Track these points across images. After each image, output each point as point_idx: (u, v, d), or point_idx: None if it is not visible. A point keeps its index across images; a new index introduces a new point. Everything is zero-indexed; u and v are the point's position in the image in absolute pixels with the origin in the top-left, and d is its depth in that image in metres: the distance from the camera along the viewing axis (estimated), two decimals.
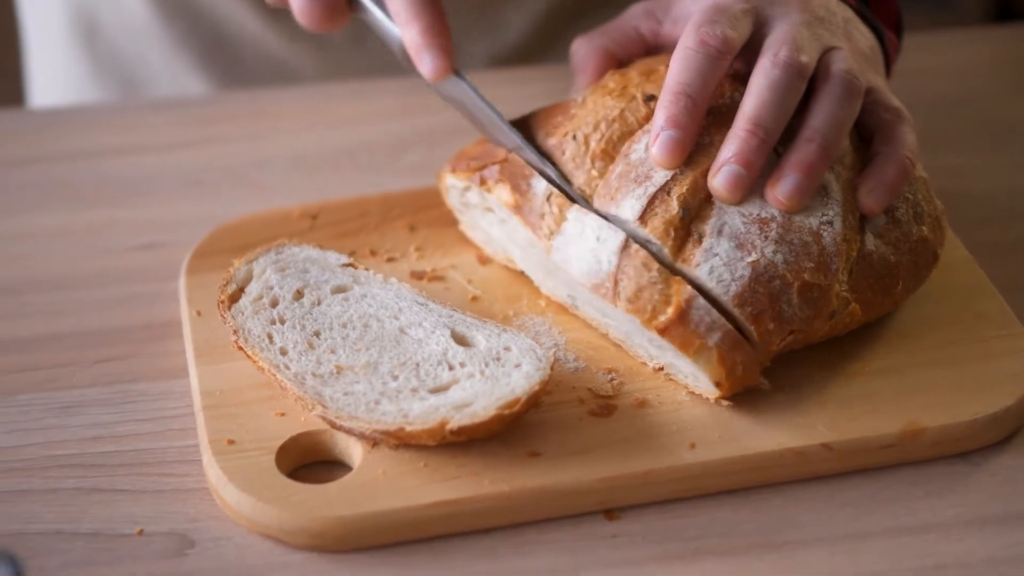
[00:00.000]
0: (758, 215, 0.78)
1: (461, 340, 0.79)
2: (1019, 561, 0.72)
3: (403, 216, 0.93)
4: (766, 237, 0.77)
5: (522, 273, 0.88)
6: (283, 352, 0.78)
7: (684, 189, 0.78)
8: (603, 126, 0.82)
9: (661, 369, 0.80)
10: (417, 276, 0.88)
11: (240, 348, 0.79)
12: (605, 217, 0.80)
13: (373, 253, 0.90)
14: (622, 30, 0.86)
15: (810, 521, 0.75)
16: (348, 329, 0.80)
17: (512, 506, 0.74)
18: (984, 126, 1.04)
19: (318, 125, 1.06)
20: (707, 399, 0.79)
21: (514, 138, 0.86)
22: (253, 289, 0.82)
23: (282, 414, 0.78)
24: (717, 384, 0.76)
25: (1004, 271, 0.87)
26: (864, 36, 0.85)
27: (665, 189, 0.78)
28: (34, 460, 0.78)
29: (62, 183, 1.00)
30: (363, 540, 0.73)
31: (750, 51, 0.80)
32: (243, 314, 0.80)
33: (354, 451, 0.76)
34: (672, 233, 0.77)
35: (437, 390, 0.76)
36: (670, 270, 0.77)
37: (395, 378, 0.77)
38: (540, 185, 0.81)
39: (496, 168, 0.84)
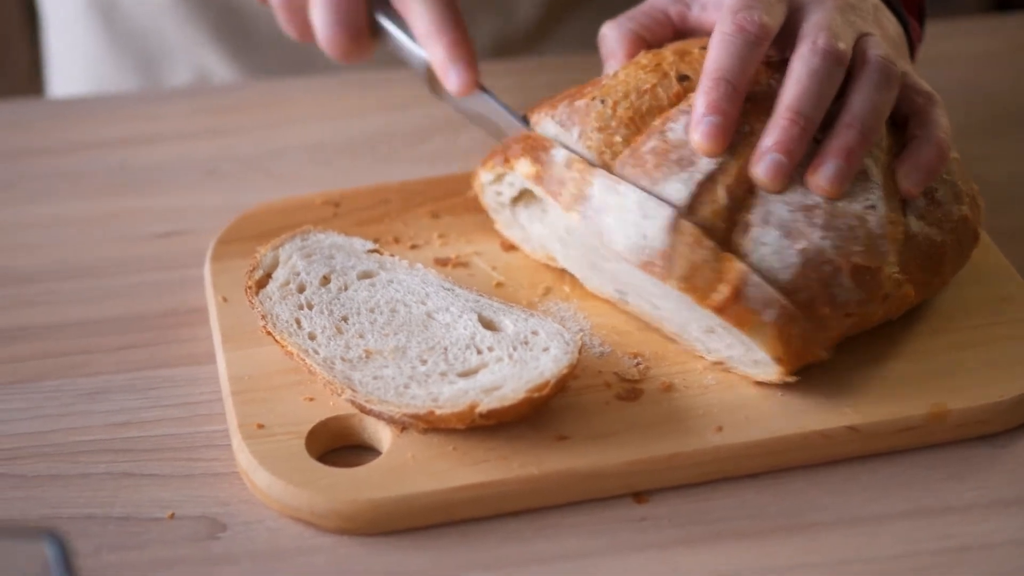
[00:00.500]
0: (802, 202, 0.78)
1: (488, 324, 0.80)
2: None
3: (425, 203, 0.93)
4: (813, 224, 0.77)
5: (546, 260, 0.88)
6: (312, 337, 0.79)
7: (731, 179, 0.78)
8: (633, 96, 0.82)
9: (720, 363, 0.80)
10: (441, 263, 0.88)
11: (269, 333, 0.79)
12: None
13: (396, 240, 0.90)
14: (651, 15, 0.86)
15: (834, 503, 0.75)
16: (376, 314, 0.80)
17: (540, 489, 0.74)
18: (1000, 113, 1.05)
19: (336, 114, 1.06)
20: (733, 384, 0.79)
21: None
22: (280, 275, 0.82)
23: (311, 399, 0.78)
24: (777, 360, 0.76)
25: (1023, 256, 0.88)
26: (891, 23, 0.85)
27: (711, 178, 0.78)
28: (63, 445, 0.78)
29: (81, 172, 1.00)
30: (393, 523, 0.73)
31: (783, 38, 0.81)
32: (271, 299, 0.81)
33: (383, 435, 0.77)
34: (719, 224, 0.77)
35: (466, 374, 0.76)
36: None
37: (424, 362, 0.77)
38: (560, 153, 0.81)
39: (519, 145, 0.84)
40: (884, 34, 0.83)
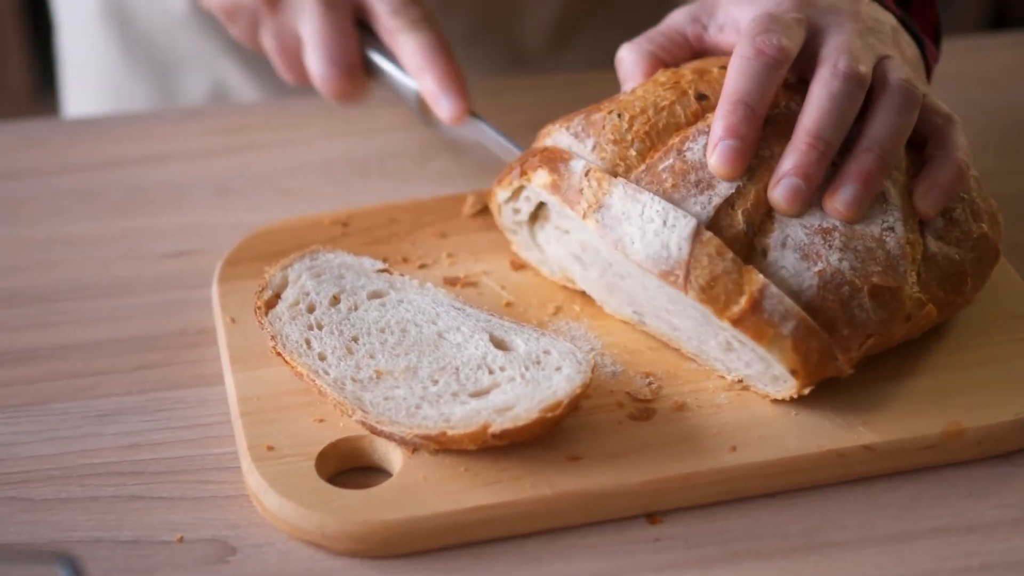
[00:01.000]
0: (820, 225, 0.77)
1: (500, 344, 0.79)
2: None
3: (434, 223, 0.93)
4: (830, 246, 0.77)
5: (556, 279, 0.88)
6: (322, 357, 0.78)
7: (748, 204, 0.78)
8: (651, 111, 0.81)
9: (740, 382, 0.79)
10: (450, 282, 0.88)
11: (278, 354, 0.78)
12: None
13: (405, 260, 0.90)
14: (668, 35, 0.86)
15: (853, 523, 0.74)
16: (386, 334, 0.80)
17: (554, 510, 0.74)
18: (1010, 129, 1.04)
19: (345, 133, 1.06)
20: (746, 403, 0.78)
21: None
22: (289, 295, 0.82)
23: (320, 420, 0.78)
24: (793, 372, 0.76)
25: None
26: (909, 45, 0.85)
27: (729, 202, 0.78)
28: (72, 468, 0.78)
29: (93, 191, 1.00)
30: (405, 545, 0.73)
31: (801, 60, 0.80)
32: (280, 320, 0.80)
33: (393, 457, 0.76)
34: (737, 248, 0.77)
35: (478, 394, 0.76)
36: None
37: (435, 382, 0.76)
38: (578, 164, 0.81)
39: (536, 158, 0.83)
40: (902, 56, 0.83)
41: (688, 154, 0.79)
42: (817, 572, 0.72)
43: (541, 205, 0.85)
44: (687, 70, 0.84)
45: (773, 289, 0.75)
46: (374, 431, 0.76)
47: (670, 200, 0.78)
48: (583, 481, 0.74)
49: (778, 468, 0.75)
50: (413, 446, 0.75)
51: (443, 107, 0.90)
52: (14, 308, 0.89)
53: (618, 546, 0.73)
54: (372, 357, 0.78)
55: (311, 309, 0.81)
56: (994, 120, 1.06)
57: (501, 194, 0.86)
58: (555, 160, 0.82)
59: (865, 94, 0.79)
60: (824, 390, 0.78)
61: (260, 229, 0.92)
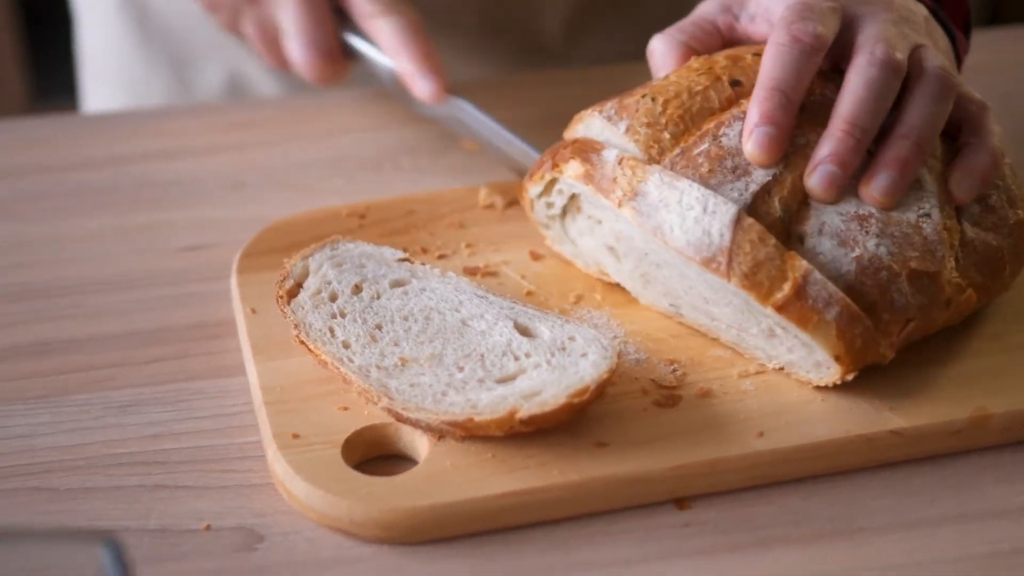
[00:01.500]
0: (856, 212, 0.77)
1: (524, 331, 0.79)
2: None
3: (450, 214, 0.93)
4: (867, 232, 0.77)
5: (576, 268, 0.87)
6: (346, 345, 0.78)
7: (785, 191, 0.78)
8: (685, 95, 0.81)
9: (781, 369, 0.79)
10: (470, 272, 0.87)
11: (302, 342, 0.78)
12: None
13: (424, 250, 0.89)
14: (699, 25, 0.86)
15: (880, 508, 0.74)
16: (410, 322, 0.79)
17: (582, 496, 0.73)
18: (1005, 123, 1.04)
19: (358, 127, 1.06)
20: (771, 389, 0.78)
21: (522, 145, 0.91)
22: (311, 284, 0.82)
23: (345, 408, 0.77)
24: (836, 358, 0.75)
25: None
26: (941, 36, 0.85)
27: (766, 189, 0.77)
28: (95, 459, 0.77)
29: (106, 187, 1.00)
30: (434, 531, 0.72)
31: (835, 49, 0.81)
32: (303, 309, 0.80)
33: (419, 444, 0.76)
34: (774, 235, 0.76)
35: (504, 380, 0.76)
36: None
37: (460, 369, 0.76)
38: (611, 153, 0.80)
39: (567, 150, 0.83)
40: (935, 46, 0.83)
41: (724, 140, 0.79)
42: (846, 557, 0.72)
43: (573, 198, 0.85)
44: (720, 57, 0.84)
45: (817, 275, 0.75)
46: (400, 418, 0.75)
47: (706, 186, 0.77)
48: (611, 467, 0.74)
49: (805, 453, 0.75)
50: (439, 433, 0.75)
51: (421, 87, 0.93)
52: (29, 302, 0.89)
53: (649, 532, 0.73)
54: (396, 345, 0.78)
55: (333, 298, 0.81)
56: (1017, 112, 1.06)
57: (533, 189, 0.86)
58: (587, 150, 0.82)
59: (901, 82, 0.79)
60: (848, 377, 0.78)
61: (277, 221, 0.92)
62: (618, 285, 0.86)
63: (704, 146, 0.79)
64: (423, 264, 0.84)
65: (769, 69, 0.78)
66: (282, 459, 0.74)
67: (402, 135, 1.05)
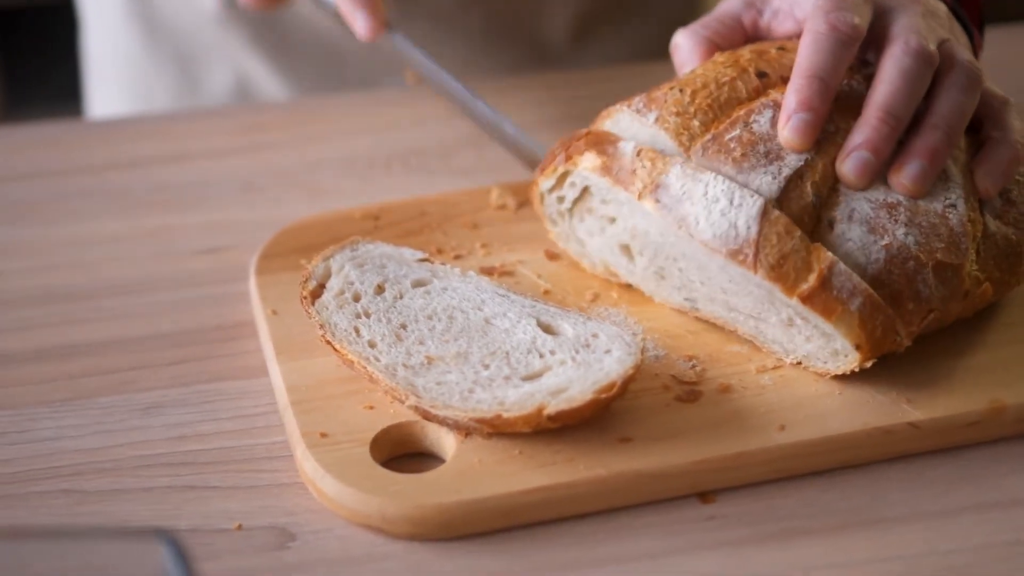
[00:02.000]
0: (884, 200, 0.79)
1: (547, 329, 0.80)
2: None
3: (463, 215, 0.94)
4: (896, 220, 0.78)
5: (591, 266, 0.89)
6: (372, 345, 0.79)
7: (817, 176, 0.79)
8: (712, 86, 0.82)
9: (799, 363, 0.80)
10: (487, 272, 0.88)
11: (328, 342, 0.79)
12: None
13: (440, 251, 0.90)
14: (723, 21, 0.87)
15: (900, 499, 0.75)
16: (434, 321, 0.80)
17: (609, 490, 0.74)
18: None
19: (367, 130, 1.07)
20: (789, 384, 0.80)
21: (460, 88, 0.94)
22: (334, 285, 0.82)
23: (370, 407, 0.78)
24: (857, 347, 0.77)
25: None
26: (960, 34, 0.87)
27: (799, 174, 0.79)
28: (123, 460, 0.78)
29: (119, 191, 1.00)
30: (463, 527, 0.73)
31: (867, 41, 0.82)
32: (327, 309, 0.81)
33: (445, 442, 0.77)
34: (806, 220, 0.78)
35: (530, 377, 0.77)
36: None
37: (486, 367, 0.77)
38: (628, 145, 0.82)
39: (581, 142, 0.84)
40: (957, 41, 0.84)
41: (755, 126, 0.80)
42: (869, 547, 0.73)
43: (582, 198, 0.86)
44: (745, 51, 0.85)
45: (841, 266, 0.76)
46: (427, 416, 0.76)
47: (739, 168, 0.79)
48: (636, 462, 0.75)
49: (827, 446, 0.76)
50: (466, 430, 0.76)
51: (359, 23, 0.94)
52: (48, 306, 0.89)
53: (675, 525, 0.74)
54: (422, 343, 0.79)
55: (357, 298, 0.82)
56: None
57: (544, 183, 0.87)
58: (602, 143, 0.83)
59: (933, 73, 0.80)
60: (867, 369, 0.79)
61: (292, 224, 0.92)
62: (630, 287, 0.87)
63: (735, 132, 0.80)
64: (443, 264, 0.85)
65: (807, 56, 0.80)
66: (311, 458, 0.75)
67: (410, 137, 1.06)
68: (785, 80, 0.82)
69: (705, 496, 0.76)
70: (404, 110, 1.08)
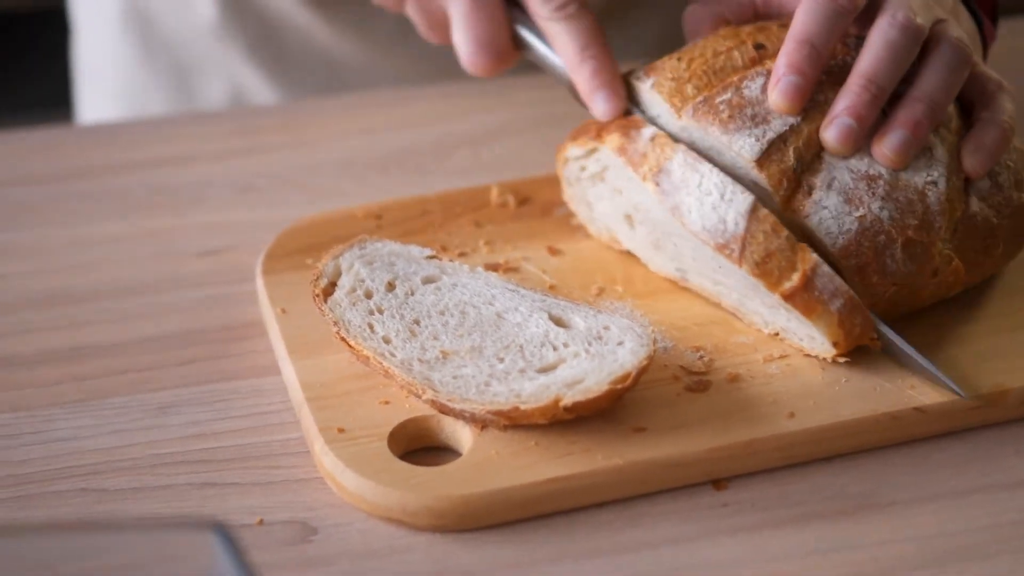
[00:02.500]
0: (866, 172, 0.81)
1: (559, 322, 0.81)
2: None
3: (465, 213, 0.95)
4: (873, 193, 0.80)
5: (595, 262, 0.90)
6: (386, 340, 0.79)
7: (800, 142, 0.81)
8: (709, 54, 0.84)
9: (776, 335, 0.82)
10: (491, 268, 0.89)
11: (343, 339, 0.80)
12: (703, 156, 0.81)
13: (444, 248, 0.91)
14: None
15: (909, 482, 0.77)
16: (446, 316, 0.81)
17: (625, 479, 0.75)
18: None
19: (363, 131, 1.08)
20: (796, 373, 0.81)
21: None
22: (345, 282, 0.83)
23: (386, 402, 0.79)
24: (835, 344, 0.79)
25: None
26: (966, 20, 0.88)
27: (782, 138, 0.81)
28: (140, 459, 0.78)
29: (117, 193, 1.00)
30: (485, 518, 0.74)
31: (863, 17, 0.84)
32: (340, 306, 0.81)
33: (461, 435, 0.78)
34: (785, 183, 0.80)
35: (545, 369, 0.78)
36: (778, 216, 0.80)
37: (501, 360, 0.78)
38: (648, 131, 0.83)
39: (614, 124, 0.86)
40: (959, 25, 0.86)
41: (745, 91, 0.82)
42: (882, 529, 0.74)
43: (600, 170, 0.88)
44: (748, 26, 0.87)
45: (825, 268, 0.78)
46: (444, 410, 0.77)
47: (725, 130, 0.81)
48: (651, 451, 0.76)
49: (835, 432, 0.78)
50: (483, 423, 0.77)
51: (597, 106, 0.88)
52: (52, 308, 0.90)
53: (691, 512, 0.75)
54: (436, 338, 0.80)
55: (369, 295, 0.82)
56: None
57: (574, 150, 0.88)
58: (629, 126, 0.85)
59: (920, 47, 0.82)
60: (870, 358, 0.81)
61: (295, 224, 0.93)
62: (635, 276, 0.88)
63: (726, 96, 0.82)
64: (451, 260, 0.86)
65: (801, 23, 0.82)
66: (330, 453, 0.76)
67: (405, 137, 1.07)
68: None
69: (718, 483, 0.77)
70: (397, 112, 1.09)
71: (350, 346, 0.80)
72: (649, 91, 0.85)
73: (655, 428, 0.78)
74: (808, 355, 0.82)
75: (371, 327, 0.80)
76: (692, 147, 0.83)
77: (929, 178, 0.81)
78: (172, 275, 0.93)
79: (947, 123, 0.84)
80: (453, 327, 0.80)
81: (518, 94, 1.11)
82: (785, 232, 0.79)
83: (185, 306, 0.90)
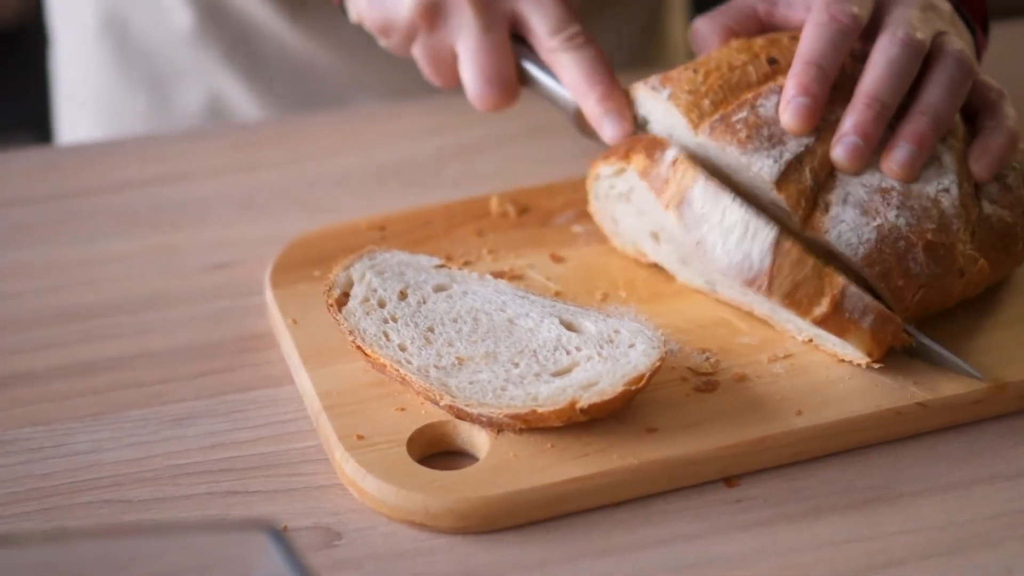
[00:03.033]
0: (879, 185, 0.83)
1: (570, 326, 0.83)
2: None
3: (467, 223, 0.96)
4: (888, 204, 0.82)
5: (598, 268, 0.92)
6: (402, 348, 0.81)
7: (815, 162, 0.83)
8: (725, 68, 0.87)
9: (810, 341, 0.84)
10: (496, 276, 0.91)
11: (359, 348, 0.81)
12: (719, 176, 0.83)
13: (448, 258, 0.93)
14: (740, 10, 0.91)
15: (914, 475, 0.79)
16: (459, 323, 0.83)
17: (640, 478, 0.77)
18: None
19: (359, 145, 1.09)
20: (800, 372, 0.83)
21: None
22: (358, 292, 0.85)
23: (402, 408, 0.80)
24: (868, 353, 0.81)
25: None
26: (963, 30, 0.91)
27: (799, 158, 0.83)
28: (161, 470, 0.79)
29: (120, 211, 1.01)
30: (505, 519, 0.76)
31: (867, 32, 0.86)
32: (355, 316, 0.83)
33: (478, 439, 0.79)
34: (803, 203, 0.82)
35: (560, 373, 0.79)
36: (798, 236, 0.82)
37: (516, 365, 0.80)
38: (670, 153, 0.85)
39: (641, 144, 0.87)
40: (959, 36, 0.89)
41: (761, 110, 0.85)
42: (892, 521, 0.76)
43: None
44: (760, 38, 0.90)
45: (852, 288, 0.80)
46: (461, 415, 0.79)
47: (744, 150, 0.83)
48: (664, 450, 0.78)
49: (844, 428, 0.80)
50: (499, 427, 0.78)
51: (606, 130, 0.90)
52: (65, 324, 0.91)
53: (705, 509, 0.77)
54: (451, 345, 0.81)
55: (382, 304, 0.84)
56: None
57: (606, 169, 0.90)
58: (654, 148, 0.86)
59: (921, 61, 0.85)
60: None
61: (300, 237, 0.94)
62: (637, 281, 0.90)
63: (743, 114, 0.85)
64: (460, 269, 0.88)
65: (807, 45, 0.84)
66: (351, 459, 0.77)
67: (401, 150, 1.08)
68: None
69: (730, 480, 0.79)
70: (388, 125, 1.10)
71: (366, 354, 0.81)
72: (666, 103, 0.87)
73: (667, 428, 0.79)
74: (814, 354, 0.84)
75: (386, 335, 0.82)
76: (708, 162, 0.85)
77: (941, 186, 0.84)
78: (181, 290, 0.94)
79: (954, 132, 0.86)
80: (467, 334, 0.82)
81: (528, 97, 1.12)
82: (811, 261, 0.81)
83: (196, 320, 0.91)
